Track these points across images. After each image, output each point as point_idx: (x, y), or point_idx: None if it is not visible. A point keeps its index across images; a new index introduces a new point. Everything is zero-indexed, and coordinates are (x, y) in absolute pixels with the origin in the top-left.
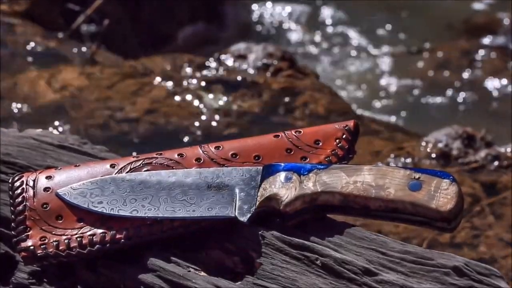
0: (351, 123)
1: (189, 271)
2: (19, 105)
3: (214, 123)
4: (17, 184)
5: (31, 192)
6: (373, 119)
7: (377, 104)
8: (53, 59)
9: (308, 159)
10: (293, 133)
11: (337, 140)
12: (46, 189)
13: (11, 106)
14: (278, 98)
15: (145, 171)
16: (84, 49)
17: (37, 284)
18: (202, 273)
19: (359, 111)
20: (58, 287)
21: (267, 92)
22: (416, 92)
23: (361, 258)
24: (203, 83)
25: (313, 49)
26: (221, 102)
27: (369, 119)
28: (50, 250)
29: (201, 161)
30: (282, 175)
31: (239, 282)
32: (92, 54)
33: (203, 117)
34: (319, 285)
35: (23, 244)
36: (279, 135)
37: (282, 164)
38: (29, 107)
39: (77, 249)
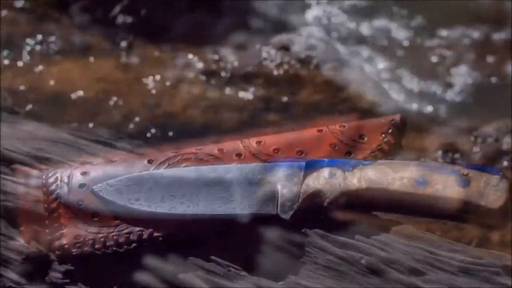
0: (397, 117)
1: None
2: (52, 98)
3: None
4: (51, 180)
5: (65, 188)
6: (420, 113)
7: (424, 96)
8: (86, 50)
9: (353, 154)
10: (337, 127)
11: (383, 135)
12: (81, 185)
13: (43, 100)
14: (320, 93)
15: (183, 167)
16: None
17: (71, 283)
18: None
19: (406, 106)
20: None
21: (309, 85)
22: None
23: (408, 257)
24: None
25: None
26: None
27: (416, 113)
28: (86, 248)
29: (242, 157)
30: (326, 171)
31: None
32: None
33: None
34: (364, 285)
35: (57, 243)
36: (322, 129)
37: (326, 159)
38: (62, 101)
39: (114, 248)
